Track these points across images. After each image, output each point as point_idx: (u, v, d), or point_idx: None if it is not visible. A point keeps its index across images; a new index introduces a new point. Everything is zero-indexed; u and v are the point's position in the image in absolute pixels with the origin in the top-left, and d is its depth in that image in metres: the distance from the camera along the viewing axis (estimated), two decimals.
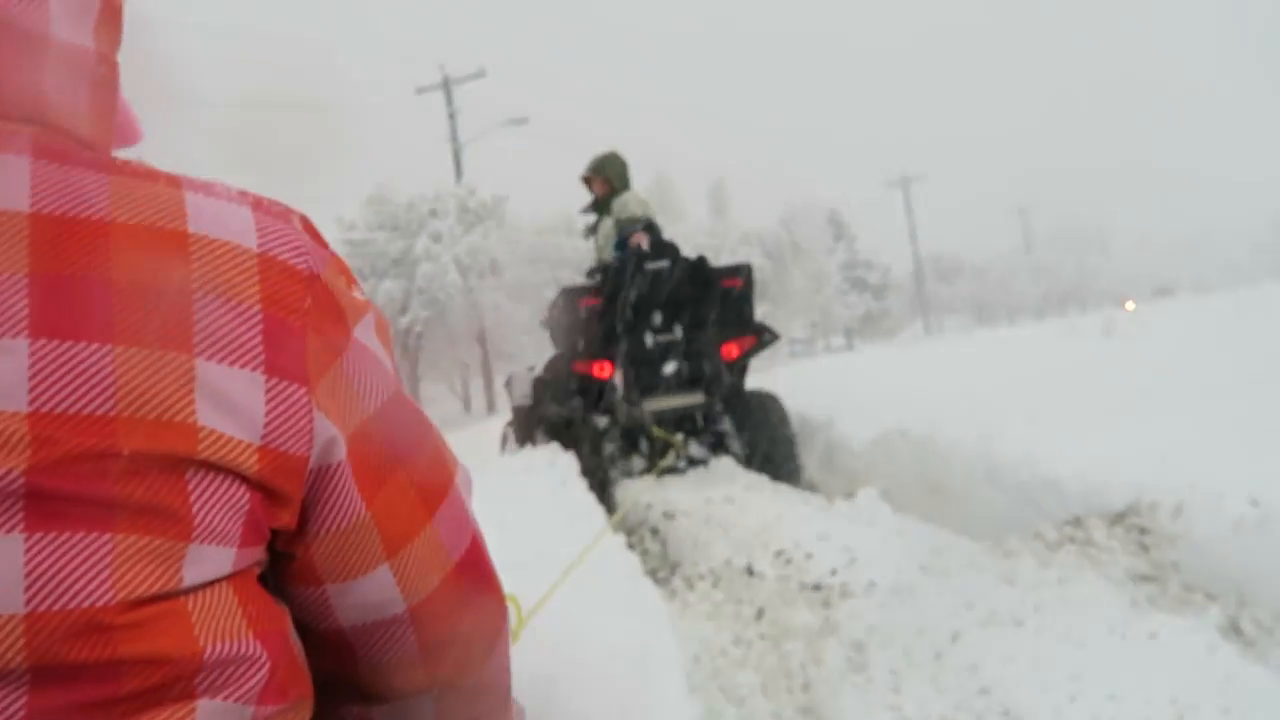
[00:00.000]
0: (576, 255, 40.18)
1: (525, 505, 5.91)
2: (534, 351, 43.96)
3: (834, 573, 5.03)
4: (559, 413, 8.52)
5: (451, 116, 41.41)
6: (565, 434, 8.36)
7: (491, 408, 39.88)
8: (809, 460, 8.99)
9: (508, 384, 10.13)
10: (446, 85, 41.48)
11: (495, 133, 41.99)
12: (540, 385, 8.91)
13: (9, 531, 0.76)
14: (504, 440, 10.31)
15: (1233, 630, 4.03)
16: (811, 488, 8.45)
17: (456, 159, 41.65)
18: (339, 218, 38.90)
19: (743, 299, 8.62)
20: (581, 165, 9.38)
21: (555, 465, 7.43)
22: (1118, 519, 5.13)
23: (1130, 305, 34.99)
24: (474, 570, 1.04)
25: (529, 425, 8.98)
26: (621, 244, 8.65)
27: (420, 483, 0.99)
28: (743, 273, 8.71)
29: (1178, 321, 15.40)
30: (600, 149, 9.45)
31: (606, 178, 9.16)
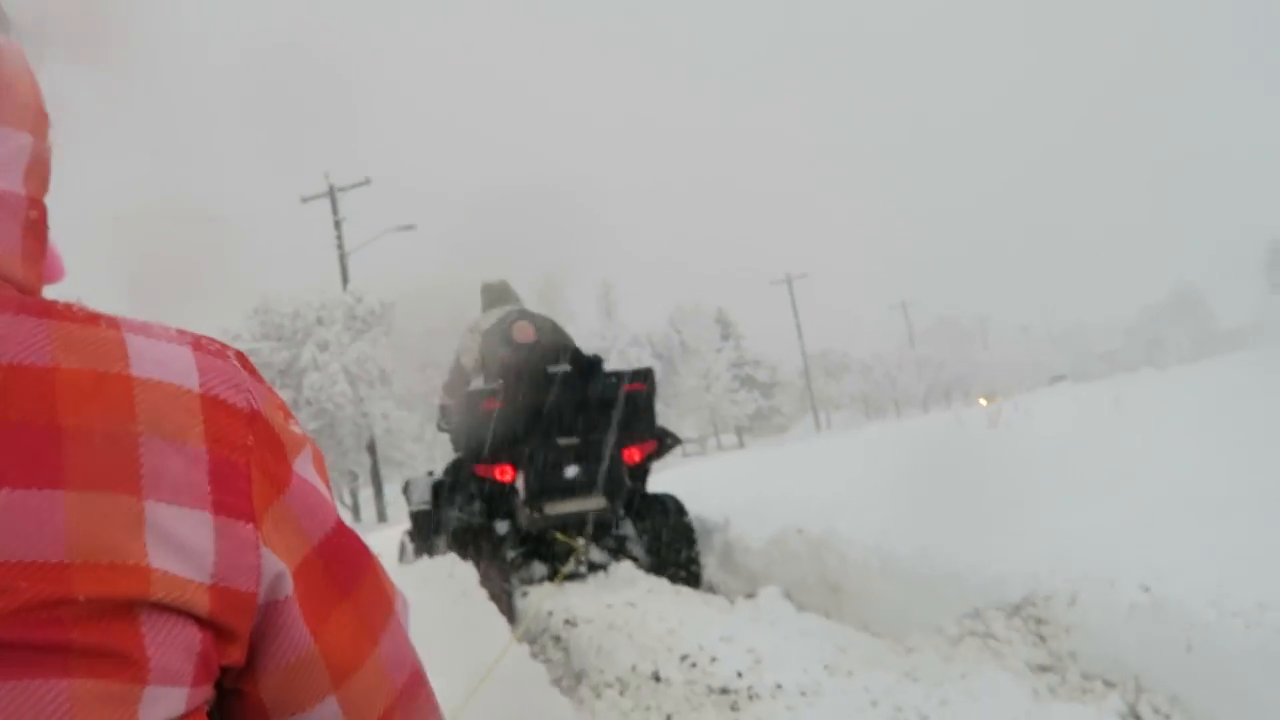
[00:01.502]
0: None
1: (427, 620, 5.81)
2: (424, 458, 43.51)
3: (740, 675, 5.03)
4: (459, 519, 8.44)
5: (337, 224, 41.19)
6: (466, 541, 8.26)
7: (382, 516, 39.20)
8: (708, 560, 9.00)
9: (406, 489, 10.02)
10: (332, 193, 41.33)
11: (382, 240, 41.80)
12: (440, 489, 8.82)
13: None
14: (402, 550, 10.17)
15: (1132, 716, 4.11)
16: (712, 589, 8.46)
17: (343, 266, 41.38)
18: (224, 329, 38.37)
19: (645, 403, 8.68)
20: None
21: (455, 576, 7.34)
22: (1015, 610, 5.21)
23: (983, 401, 36.20)
24: (417, 695, 1.05)
25: (427, 532, 8.88)
26: (504, 336, 8.64)
27: (364, 611, 0.99)
28: (646, 377, 8.78)
29: (1059, 410, 15.79)
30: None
31: (482, 307, 9.36)
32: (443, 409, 9.64)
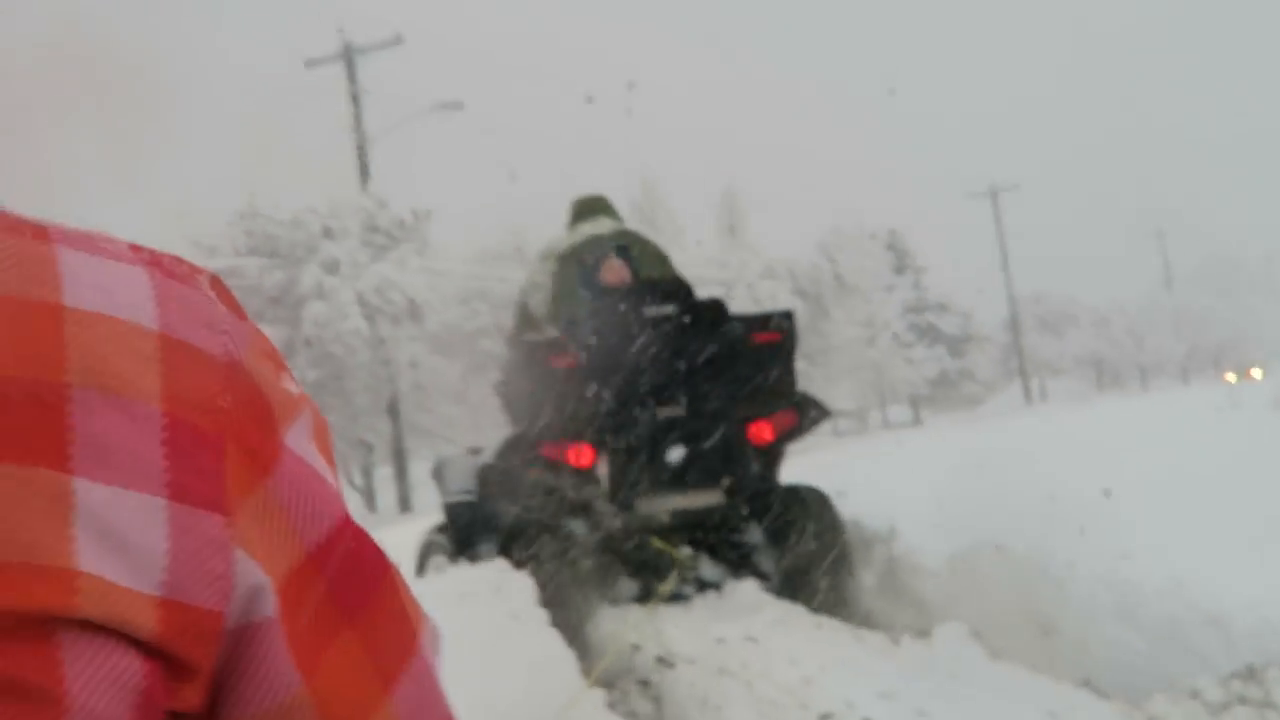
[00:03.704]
0: None
1: (464, 651, 5.87)
2: (468, 428, 43.88)
3: None
4: (517, 515, 8.50)
5: (355, 99, 41.65)
6: (523, 545, 8.32)
7: (405, 505, 39.75)
8: (864, 583, 8.98)
9: (437, 472, 10.11)
10: (348, 56, 41.75)
11: (417, 123, 42.19)
12: (488, 475, 8.89)
13: None
14: (424, 554, 10.27)
15: None
16: (868, 623, 8.44)
17: (361, 158, 41.84)
18: (195, 239, 38.97)
19: (782, 360, 8.65)
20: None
21: (504, 592, 7.40)
22: None
23: (1231, 376, 35.89)
24: None
25: (469, 532, 8.96)
26: (587, 274, 8.66)
27: (376, 644, 0.98)
28: (783, 324, 8.75)
29: None
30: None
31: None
32: (504, 370, 9.70)
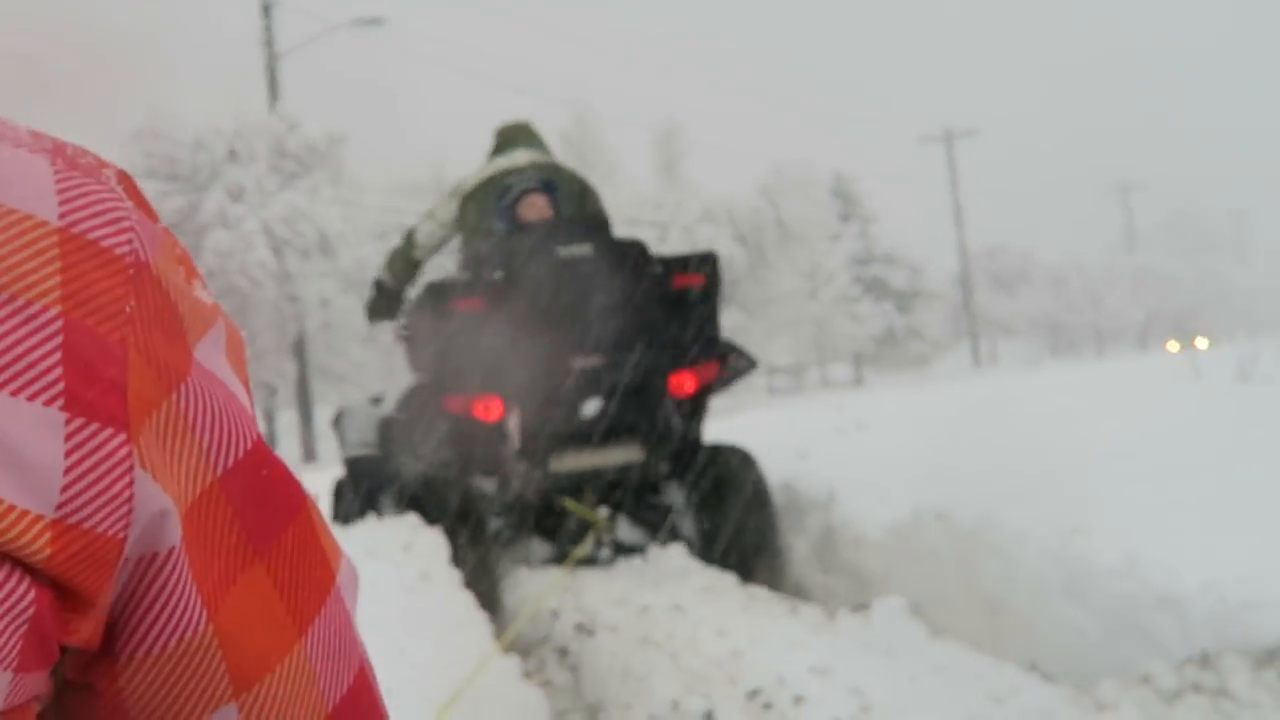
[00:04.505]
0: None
1: (369, 611, 5.85)
2: (380, 372, 43.95)
3: None
4: (421, 472, 8.48)
5: (266, 9, 41.40)
6: (431, 502, 8.31)
7: (309, 454, 39.84)
8: (798, 552, 9.03)
9: (337, 421, 10.11)
10: None
11: (332, 39, 41.94)
12: (391, 428, 8.86)
13: None
14: (338, 502, 10.27)
15: None
16: (801, 593, 8.50)
17: (271, 75, 41.64)
18: None
19: (703, 306, 8.67)
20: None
21: (414, 548, 7.40)
22: (1268, 659, 5.18)
23: (1174, 345, 36.51)
24: (361, 709, 1.03)
25: (371, 486, 8.93)
26: (505, 210, 8.60)
27: (288, 583, 0.97)
28: (704, 266, 8.75)
29: None
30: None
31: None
32: (377, 290, 9.68)
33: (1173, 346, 36.16)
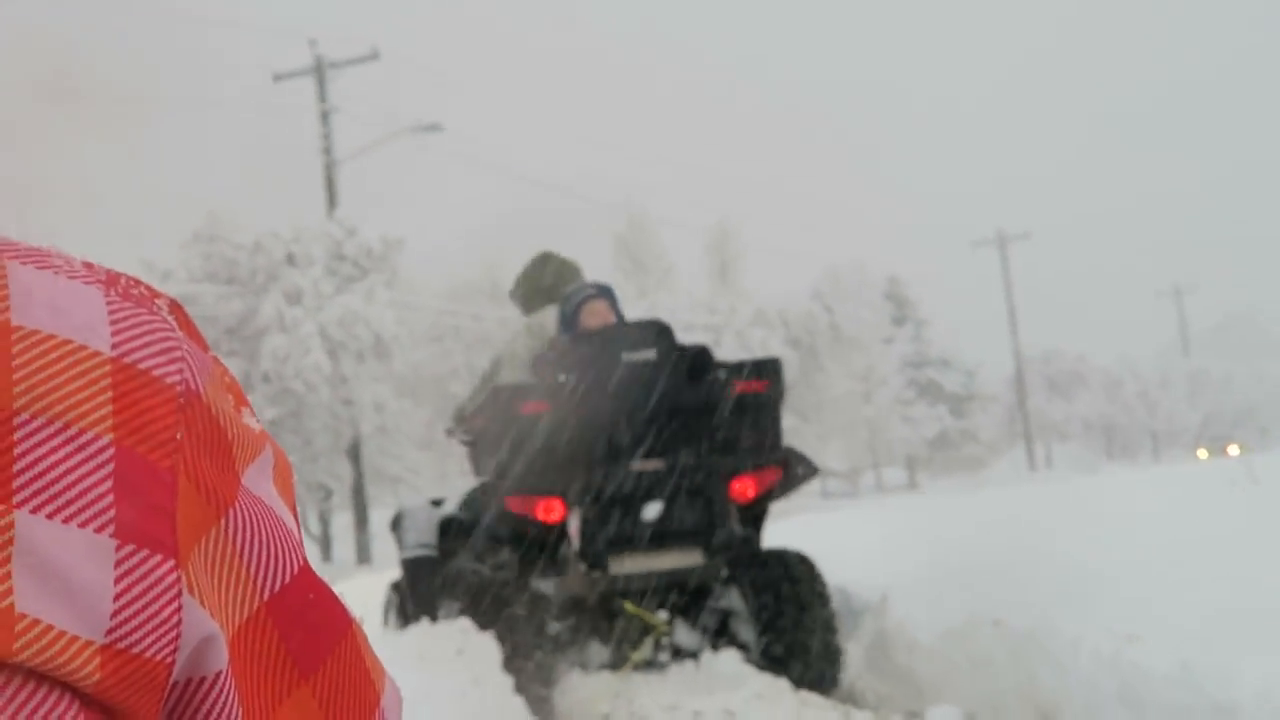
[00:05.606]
0: (505, 332, 40.30)
1: (422, 718, 5.85)
2: (435, 475, 43.90)
3: None
4: (480, 572, 8.47)
5: (325, 116, 41.76)
6: (487, 605, 8.29)
7: (364, 556, 39.65)
8: (851, 656, 8.96)
9: (396, 523, 10.07)
10: (320, 70, 41.87)
11: (391, 146, 42.23)
12: (451, 528, 8.87)
13: None
14: (387, 610, 10.26)
15: None
16: (854, 699, 8.42)
17: (329, 181, 41.92)
18: (148, 261, 38.95)
19: (766, 412, 8.66)
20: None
21: (467, 653, 7.38)
22: None
23: (1235, 449, 35.86)
24: None
25: (429, 588, 8.92)
26: (569, 318, 8.66)
27: (333, 706, 0.98)
28: (769, 373, 8.75)
29: None
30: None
31: (542, 288, 9.32)
32: (460, 418, 9.69)
33: (1202, 454, 35.66)
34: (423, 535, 9.27)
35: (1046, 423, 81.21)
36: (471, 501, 8.79)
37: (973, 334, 78.34)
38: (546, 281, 9.46)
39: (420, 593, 9.08)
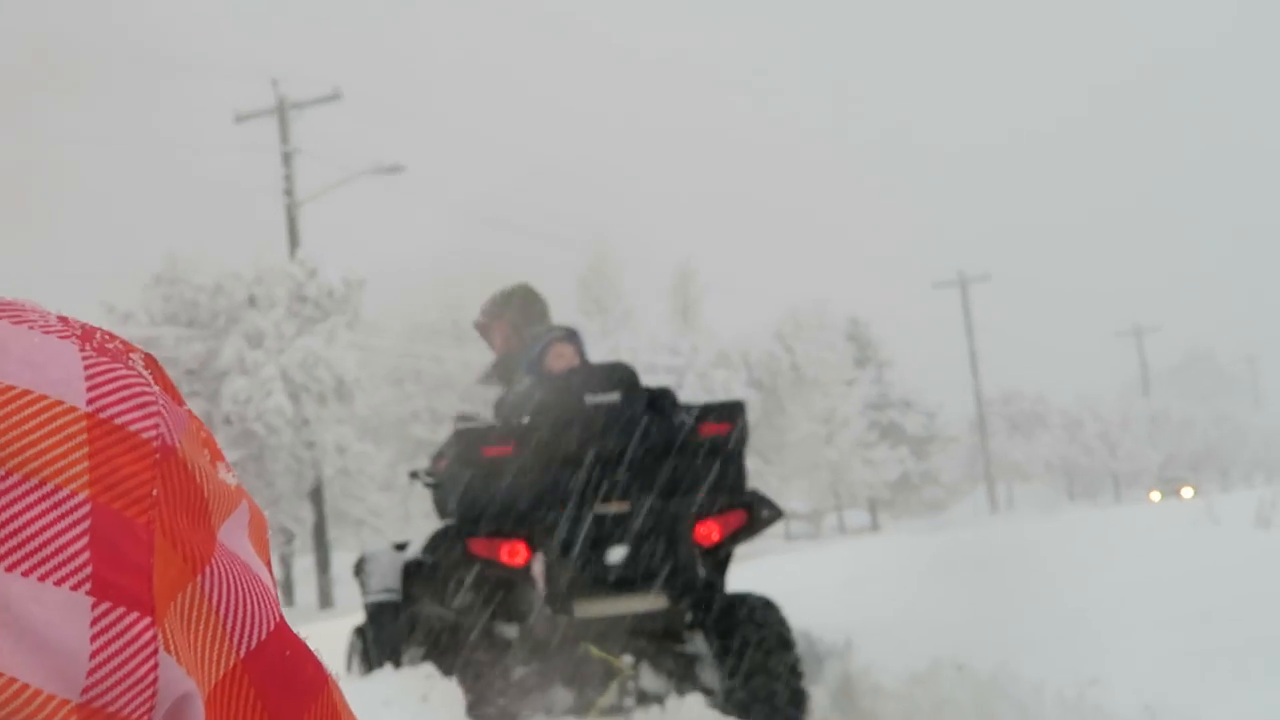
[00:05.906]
0: (467, 374, 40.27)
1: None
2: (395, 518, 43.76)
3: None
4: (444, 617, 8.44)
5: (287, 158, 41.69)
6: (451, 650, 8.27)
7: (326, 601, 39.51)
8: (816, 701, 8.96)
9: (359, 568, 10.04)
10: (281, 111, 41.80)
11: (352, 186, 42.21)
12: (415, 572, 8.84)
13: None
14: (350, 655, 10.21)
15: None
16: None
17: (291, 222, 41.81)
18: (109, 304, 38.79)
19: (730, 455, 8.66)
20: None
21: (431, 700, 7.35)
22: None
23: (1188, 491, 36.17)
24: None
25: (393, 634, 8.89)
26: (533, 362, 8.67)
27: None
28: (732, 415, 8.76)
29: None
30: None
31: (510, 322, 9.24)
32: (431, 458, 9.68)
33: (1155, 496, 35.85)
34: (386, 580, 9.24)
35: (1008, 463, 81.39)
36: (435, 545, 8.76)
37: (934, 375, 78.49)
38: (513, 312, 9.43)
39: (384, 638, 9.05)
